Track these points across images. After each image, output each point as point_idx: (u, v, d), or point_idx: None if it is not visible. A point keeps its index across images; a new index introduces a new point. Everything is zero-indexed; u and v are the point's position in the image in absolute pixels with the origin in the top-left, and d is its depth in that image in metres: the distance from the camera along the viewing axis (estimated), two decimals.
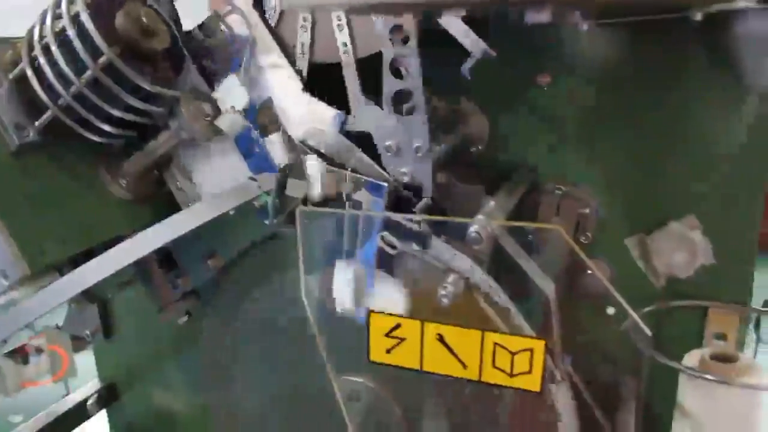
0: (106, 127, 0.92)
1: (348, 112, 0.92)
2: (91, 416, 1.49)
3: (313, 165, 0.90)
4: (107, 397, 1.50)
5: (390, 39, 0.84)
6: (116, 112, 0.91)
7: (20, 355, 2.92)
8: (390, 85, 0.86)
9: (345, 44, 0.89)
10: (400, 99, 0.88)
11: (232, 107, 0.94)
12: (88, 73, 0.86)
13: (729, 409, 0.85)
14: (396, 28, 0.83)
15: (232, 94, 0.94)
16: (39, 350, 2.99)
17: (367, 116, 0.89)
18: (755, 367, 0.88)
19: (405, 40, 0.83)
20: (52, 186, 0.95)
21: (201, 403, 1.40)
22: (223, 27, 0.99)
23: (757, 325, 2.91)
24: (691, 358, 0.91)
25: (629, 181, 1.00)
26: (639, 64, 0.95)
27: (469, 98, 1.02)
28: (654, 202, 0.99)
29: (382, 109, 0.88)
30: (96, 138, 0.93)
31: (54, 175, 0.96)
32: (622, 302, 0.81)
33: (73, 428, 1.47)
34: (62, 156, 0.96)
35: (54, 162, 0.96)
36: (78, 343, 3.03)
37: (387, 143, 0.88)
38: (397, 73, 0.86)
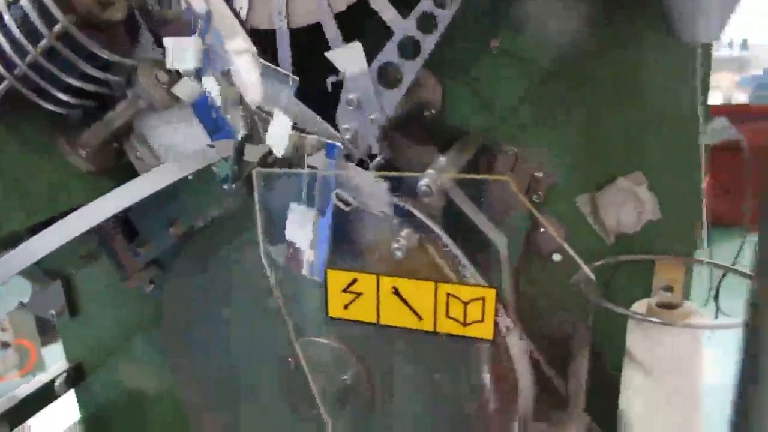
0: (64, 97, 0.93)
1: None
2: (59, 396, 1.49)
3: (281, 122, 0.91)
4: (75, 377, 1.50)
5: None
6: (73, 81, 0.92)
7: None
8: (389, 55, 0.88)
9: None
10: (390, 71, 0.89)
11: (183, 71, 0.95)
12: (44, 41, 0.87)
13: (673, 351, 0.89)
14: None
15: (181, 55, 0.95)
16: (5, 345, 2.96)
17: (349, 58, 0.90)
18: (697, 312, 0.92)
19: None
20: (11, 157, 0.96)
21: (169, 378, 1.41)
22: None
23: (716, 297, 2.98)
24: (639, 307, 0.95)
25: (578, 141, 1.03)
26: (585, 26, 0.98)
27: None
28: (602, 160, 1.02)
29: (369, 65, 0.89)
30: (53, 107, 0.94)
31: (13, 146, 0.96)
32: (569, 250, 0.85)
33: (40, 409, 1.46)
34: (21, 127, 0.97)
35: (12, 133, 0.96)
36: (46, 337, 3.01)
37: (351, 96, 0.90)
38: (403, 49, 0.88)
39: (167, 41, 0.96)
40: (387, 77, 0.90)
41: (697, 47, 0.89)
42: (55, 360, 1.56)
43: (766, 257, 0.34)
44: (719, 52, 2.25)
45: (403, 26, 0.86)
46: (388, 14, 0.87)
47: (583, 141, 1.03)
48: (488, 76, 1.04)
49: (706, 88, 0.96)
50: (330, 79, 0.92)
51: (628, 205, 1.01)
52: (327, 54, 0.90)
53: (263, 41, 0.95)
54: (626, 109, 1.00)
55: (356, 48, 0.88)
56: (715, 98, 2.97)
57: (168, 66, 0.97)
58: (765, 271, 0.35)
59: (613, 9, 0.95)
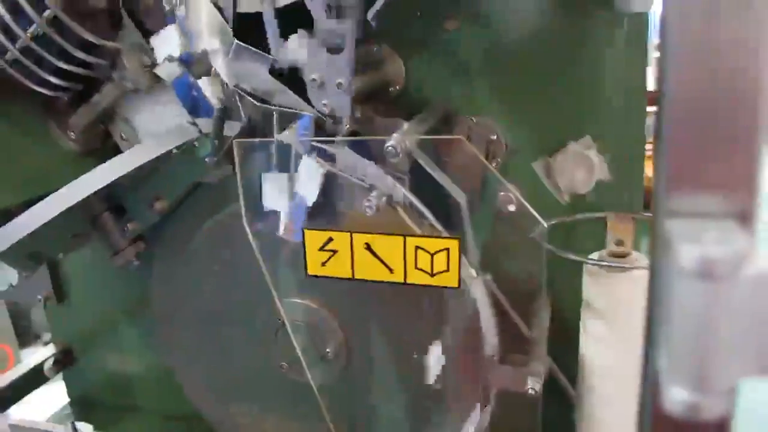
0: (54, 80, 1.00)
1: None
2: (49, 380, 1.54)
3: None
4: (63, 360, 1.55)
5: None
6: (62, 65, 0.99)
7: None
8: (323, 23, 0.94)
9: None
10: (331, 38, 0.95)
11: (169, 56, 1.02)
12: (34, 26, 0.94)
13: (621, 295, 0.98)
14: None
15: (168, 43, 1.02)
16: None
17: (298, 48, 0.96)
18: (644, 260, 1.01)
19: None
20: (3, 138, 1.03)
21: (157, 362, 1.47)
22: None
23: None
24: (592, 257, 1.03)
25: (532, 111, 1.12)
26: (534, 4, 1.07)
27: (385, 42, 1.12)
28: (554, 127, 1.11)
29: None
30: (44, 90, 1.01)
31: (4, 128, 1.03)
32: (524, 203, 0.93)
33: (29, 392, 1.51)
34: (12, 111, 1.04)
35: (4, 116, 1.03)
36: (24, 338, 3.01)
37: (313, 77, 0.97)
38: (331, 13, 0.93)
39: (154, 41, 1.03)
40: (334, 46, 0.96)
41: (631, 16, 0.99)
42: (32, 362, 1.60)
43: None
44: None
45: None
46: None
47: (535, 110, 1.11)
48: (446, 53, 1.12)
49: (643, 57, 1.05)
50: None
51: (579, 168, 1.09)
52: (273, 53, 0.97)
53: (249, 23, 1.01)
54: (572, 78, 1.08)
55: (299, 36, 0.96)
56: None
57: (159, 62, 1.03)
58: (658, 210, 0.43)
59: None
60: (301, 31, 0.96)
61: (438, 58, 1.12)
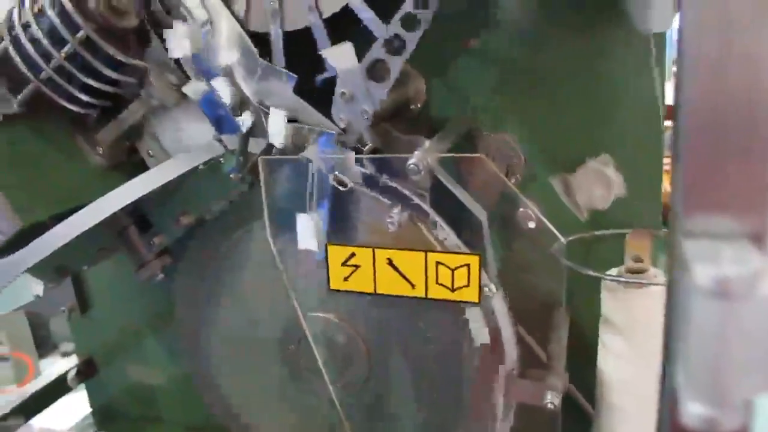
0: (85, 97, 1.03)
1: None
2: (72, 390, 1.56)
3: (277, 116, 1.01)
4: (86, 371, 1.58)
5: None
6: (93, 83, 1.02)
7: None
8: (377, 53, 0.95)
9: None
10: (378, 67, 0.97)
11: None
12: (68, 47, 0.98)
13: (641, 311, 0.99)
14: None
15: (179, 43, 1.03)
16: (3, 358, 3.00)
17: (342, 55, 0.97)
18: (662, 275, 1.02)
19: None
20: (35, 154, 1.06)
21: (179, 372, 1.49)
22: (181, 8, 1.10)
23: None
24: (611, 273, 1.04)
25: (551, 129, 1.13)
26: (552, 23, 1.09)
27: (406, 60, 1.14)
28: (573, 144, 1.12)
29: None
30: (75, 107, 1.04)
31: (37, 144, 1.06)
32: (544, 220, 0.95)
33: (53, 402, 1.54)
34: (44, 127, 1.07)
35: (36, 132, 1.06)
36: (43, 348, 3.04)
37: (343, 90, 0.99)
38: (389, 47, 0.95)
39: (168, 32, 1.05)
40: (375, 72, 0.99)
41: (650, 35, 1.00)
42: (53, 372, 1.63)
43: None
44: None
45: (385, 27, 0.94)
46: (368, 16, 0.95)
47: (555, 127, 1.13)
48: (467, 70, 1.14)
49: (662, 76, 1.06)
50: (319, 77, 1.01)
51: (598, 184, 1.11)
52: (321, 52, 0.99)
53: (261, 43, 1.04)
54: (593, 97, 1.10)
55: (347, 47, 0.98)
56: None
57: (169, 55, 1.05)
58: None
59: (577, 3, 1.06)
60: (349, 43, 0.96)
61: (458, 75, 1.14)
